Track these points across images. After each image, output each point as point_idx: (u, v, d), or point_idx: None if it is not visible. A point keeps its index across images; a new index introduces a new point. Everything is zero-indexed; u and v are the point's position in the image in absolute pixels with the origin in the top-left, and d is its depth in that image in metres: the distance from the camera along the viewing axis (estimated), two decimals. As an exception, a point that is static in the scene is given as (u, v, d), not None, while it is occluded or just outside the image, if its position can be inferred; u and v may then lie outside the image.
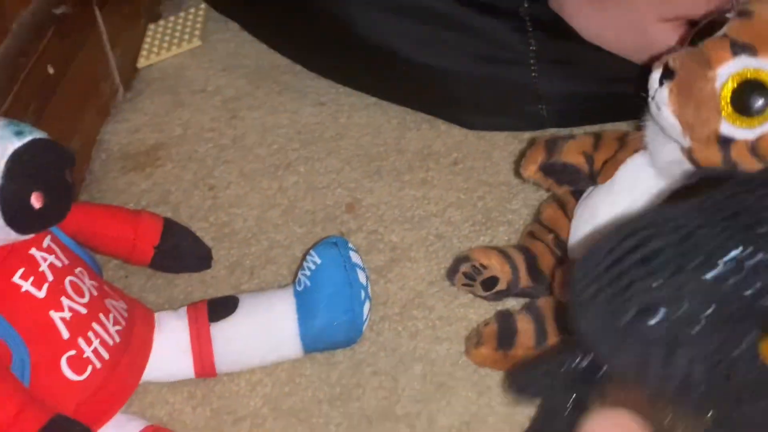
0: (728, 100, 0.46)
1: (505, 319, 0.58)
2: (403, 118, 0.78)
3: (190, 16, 0.90)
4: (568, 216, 0.62)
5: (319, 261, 0.57)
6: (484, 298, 0.62)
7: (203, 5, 0.91)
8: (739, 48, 0.47)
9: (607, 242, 0.33)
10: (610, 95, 0.72)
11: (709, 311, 0.31)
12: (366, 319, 0.58)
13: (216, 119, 0.80)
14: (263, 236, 0.69)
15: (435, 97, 0.76)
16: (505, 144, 0.75)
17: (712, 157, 0.48)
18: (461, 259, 0.62)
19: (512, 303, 0.62)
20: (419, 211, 0.70)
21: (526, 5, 0.71)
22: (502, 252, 0.62)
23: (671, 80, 0.48)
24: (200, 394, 0.59)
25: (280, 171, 0.74)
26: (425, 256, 0.67)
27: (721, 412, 0.34)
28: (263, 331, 0.57)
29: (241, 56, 0.86)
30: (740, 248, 0.30)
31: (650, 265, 0.31)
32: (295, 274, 0.60)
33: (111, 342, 0.52)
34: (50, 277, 0.50)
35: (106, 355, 0.52)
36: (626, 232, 0.32)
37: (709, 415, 0.35)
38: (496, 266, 0.61)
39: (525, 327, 0.58)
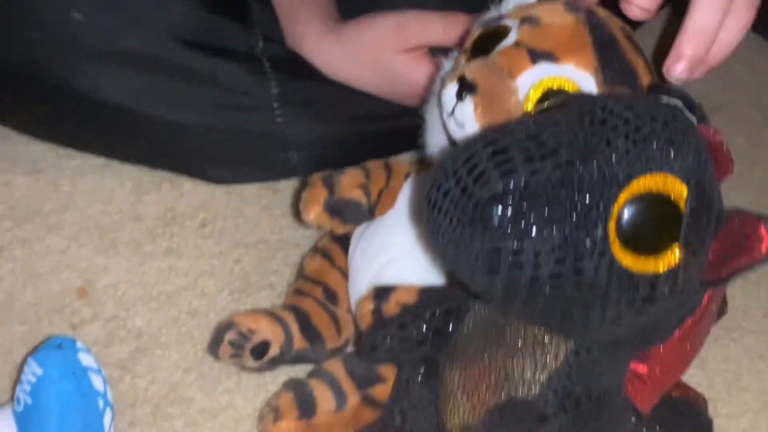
0: (535, 104, 0.45)
1: (298, 387, 0.51)
2: (139, 178, 0.68)
3: None
4: (336, 265, 0.58)
5: (40, 371, 0.47)
6: (256, 369, 0.54)
7: None
8: (537, 56, 0.45)
9: (461, 146, 0.36)
10: (365, 133, 0.68)
11: (554, 202, 0.33)
12: (109, 431, 0.48)
13: None
14: (-27, 343, 0.56)
15: (172, 152, 0.67)
16: (257, 197, 0.68)
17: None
18: (224, 327, 0.54)
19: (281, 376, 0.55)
20: (166, 286, 0.61)
21: (260, 44, 0.64)
22: (269, 314, 0.55)
23: (474, 94, 0.45)
24: None
25: (-9, 258, 0.62)
26: (178, 340, 0.58)
27: (569, 320, 0.36)
28: None
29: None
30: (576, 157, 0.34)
31: (500, 156, 0.34)
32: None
33: None
34: None
35: None
36: (477, 137, 0.36)
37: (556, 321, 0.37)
38: (266, 329, 0.53)
39: (322, 391, 0.51)
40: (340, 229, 0.56)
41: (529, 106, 0.45)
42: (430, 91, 0.54)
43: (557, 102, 0.38)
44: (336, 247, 0.59)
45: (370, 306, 0.49)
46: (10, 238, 0.63)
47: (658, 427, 0.45)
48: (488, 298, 0.39)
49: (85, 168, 0.69)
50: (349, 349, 0.57)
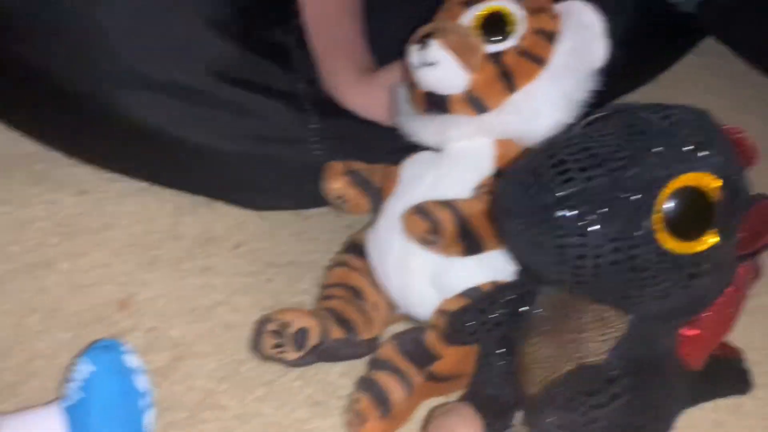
0: (480, 28, 0.56)
1: (369, 385, 0.55)
2: (178, 202, 0.73)
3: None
4: (355, 267, 0.62)
5: (89, 369, 0.50)
6: (297, 363, 0.58)
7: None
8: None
9: (525, 159, 0.44)
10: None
11: (608, 202, 0.41)
12: (149, 430, 0.51)
13: (-41, 218, 0.70)
14: (21, 346, 0.60)
15: (210, 178, 0.71)
16: (288, 222, 0.72)
17: (489, 76, 0.56)
18: (263, 321, 0.58)
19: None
20: (203, 300, 0.65)
21: (301, 85, 0.69)
22: (303, 310, 0.59)
23: (434, 37, 0.54)
24: None
25: (39, 270, 0.66)
26: (213, 350, 0.61)
27: (627, 298, 0.44)
28: None
29: (-12, 146, 0.77)
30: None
31: (560, 167, 0.42)
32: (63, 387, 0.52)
33: None
34: None
35: None
36: (539, 152, 0.43)
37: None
38: (303, 318, 0.57)
39: (389, 382, 0.55)
40: (362, 201, 0.62)
41: (477, 23, 0.56)
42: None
43: (601, 115, 0.45)
44: (350, 257, 0.63)
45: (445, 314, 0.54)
46: (57, 253, 0.67)
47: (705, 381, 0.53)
48: (558, 285, 0.47)
49: (129, 190, 0.73)
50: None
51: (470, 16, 0.56)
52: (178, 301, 0.64)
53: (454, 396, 0.57)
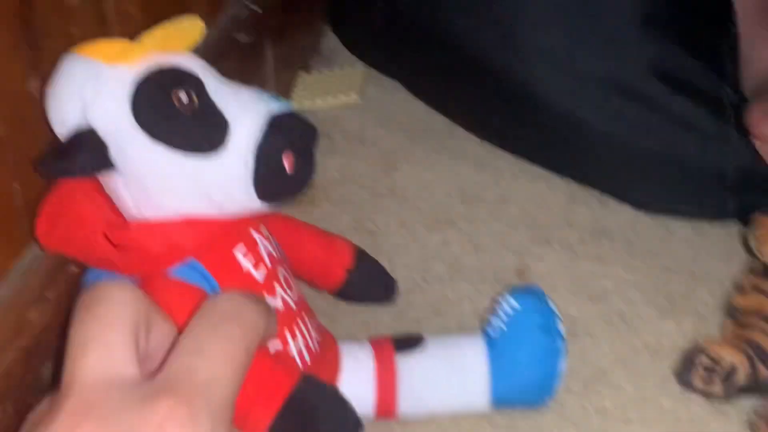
0: None
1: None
2: (571, 191, 0.74)
3: (347, 73, 0.88)
4: None
5: (517, 306, 0.52)
6: (720, 396, 0.55)
7: (361, 64, 0.89)
8: None
9: None
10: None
11: None
12: (560, 377, 0.52)
13: (372, 168, 0.76)
14: (428, 288, 0.64)
15: (611, 173, 0.72)
16: (681, 230, 0.71)
17: None
18: (693, 352, 0.55)
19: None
20: (596, 286, 0.65)
21: (729, 95, 0.68)
22: (730, 342, 0.56)
23: None
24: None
25: (442, 226, 0.70)
26: (606, 333, 0.61)
27: None
28: (452, 373, 0.51)
29: (397, 114, 0.83)
30: None
31: None
32: (483, 321, 0.54)
33: (313, 348, 0.47)
34: (268, 263, 0.45)
35: (308, 359, 0.46)
36: None
37: None
38: (733, 356, 0.55)
39: None
40: None
41: None
42: None
43: None
44: (764, 281, 0.59)
45: None
46: (458, 214, 0.71)
47: None
48: None
49: (522, 173, 0.76)
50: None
51: None
52: (572, 281, 0.65)
53: None
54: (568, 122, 0.70)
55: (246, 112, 0.41)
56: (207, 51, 0.67)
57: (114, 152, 0.41)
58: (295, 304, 0.46)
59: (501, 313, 0.52)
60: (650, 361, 0.59)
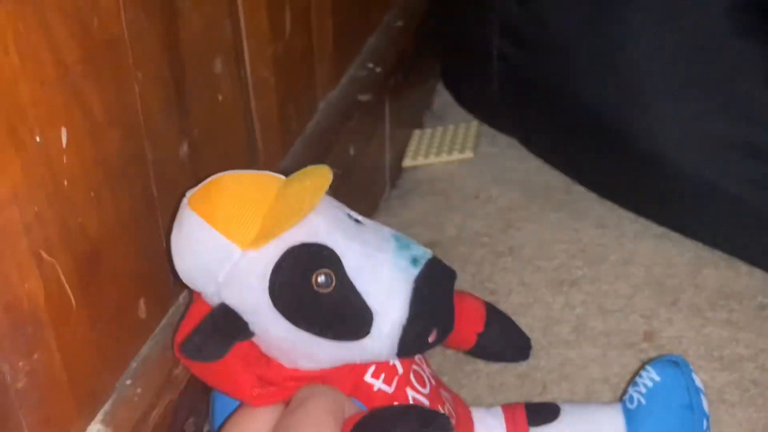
0: None
1: None
2: (697, 253, 0.72)
3: (461, 129, 0.89)
4: None
5: (658, 378, 0.50)
6: None
7: (476, 121, 0.90)
8: None
9: None
10: None
11: None
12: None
13: (490, 226, 0.76)
14: (554, 351, 0.63)
15: (742, 236, 0.70)
16: (817, 296, 0.68)
17: None
18: None
19: None
20: (727, 351, 0.63)
21: None
22: None
23: None
24: None
25: (565, 287, 0.69)
26: (742, 402, 0.59)
27: None
28: None
29: (511, 171, 0.83)
30: None
31: None
32: (624, 392, 0.53)
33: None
34: (400, 370, 0.45)
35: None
36: None
37: None
38: None
39: None
40: None
41: None
42: None
43: None
44: None
45: None
46: (581, 274, 0.70)
47: None
48: None
49: (646, 233, 0.74)
50: None
51: None
52: (702, 346, 0.63)
53: None
54: (698, 185, 0.68)
55: (391, 296, 0.40)
56: (330, 111, 0.69)
57: (253, 326, 0.40)
58: (429, 397, 0.46)
59: (641, 385, 0.51)
60: (792, 434, 0.56)
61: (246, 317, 0.40)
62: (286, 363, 0.42)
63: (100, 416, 0.43)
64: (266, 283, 0.39)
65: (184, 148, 0.48)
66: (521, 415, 0.50)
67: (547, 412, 0.51)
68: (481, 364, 0.62)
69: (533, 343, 0.62)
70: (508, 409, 0.51)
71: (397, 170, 0.84)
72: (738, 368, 0.61)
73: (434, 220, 0.77)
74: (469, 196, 0.80)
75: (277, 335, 0.41)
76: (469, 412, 0.51)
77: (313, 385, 0.35)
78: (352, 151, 0.69)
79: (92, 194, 0.40)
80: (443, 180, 0.82)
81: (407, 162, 0.85)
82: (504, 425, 0.50)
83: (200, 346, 0.39)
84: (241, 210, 0.40)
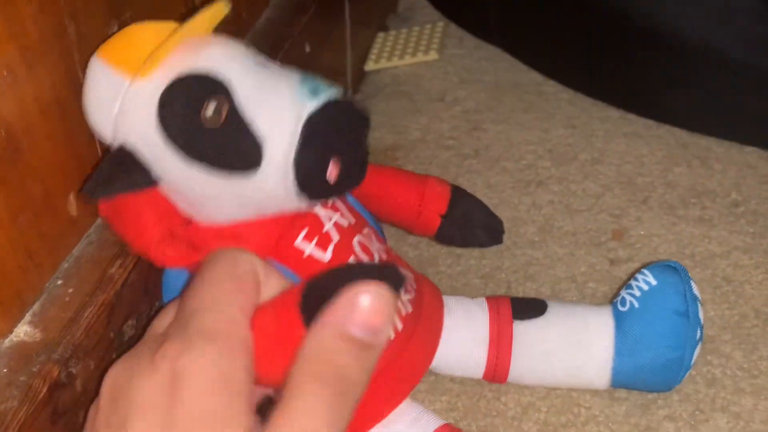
0: None
1: None
2: (669, 151, 0.69)
3: (426, 31, 0.85)
4: None
5: (654, 282, 0.48)
6: None
7: (441, 21, 0.86)
8: None
9: None
10: None
11: None
12: (692, 365, 0.48)
13: (456, 128, 0.73)
14: (518, 251, 0.60)
15: (747, 112, 0.67)
16: (790, 191, 0.65)
17: None
18: None
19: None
20: (699, 249, 0.61)
21: None
22: None
23: None
24: (461, 406, 0.49)
25: (531, 187, 0.66)
26: (713, 299, 0.57)
27: None
28: (572, 346, 0.47)
29: (479, 71, 0.80)
30: None
31: None
32: (615, 294, 0.50)
33: (403, 311, 0.44)
34: (335, 237, 0.42)
35: (399, 325, 0.44)
36: None
37: None
38: None
39: None
40: None
41: None
42: None
43: None
44: None
45: None
46: (548, 175, 0.67)
47: None
48: None
49: (616, 132, 0.71)
50: None
51: None
52: (673, 244, 0.61)
53: None
54: (704, 55, 0.65)
55: (279, 123, 0.37)
56: (285, 9, 0.65)
57: (154, 169, 0.38)
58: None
59: (634, 288, 0.48)
60: (761, 329, 0.54)
61: (144, 159, 0.38)
62: (198, 216, 0.40)
63: (28, 317, 0.40)
64: (155, 115, 0.37)
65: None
66: (506, 308, 0.48)
67: (533, 306, 0.48)
68: (443, 266, 0.59)
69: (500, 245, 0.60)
70: (492, 300, 0.49)
71: (360, 74, 0.81)
72: (710, 265, 0.59)
73: (398, 123, 0.73)
74: (435, 99, 0.77)
75: (175, 176, 0.38)
76: (439, 292, 0.48)
77: (220, 250, 0.33)
78: (307, 48, 0.65)
79: (5, 73, 0.36)
80: (408, 83, 0.79)
81: (370, 65, 0.82)
82: (487, 314, 0.48)
83: (96, 183, 0.38)
84: (134, 44, 0.38)
